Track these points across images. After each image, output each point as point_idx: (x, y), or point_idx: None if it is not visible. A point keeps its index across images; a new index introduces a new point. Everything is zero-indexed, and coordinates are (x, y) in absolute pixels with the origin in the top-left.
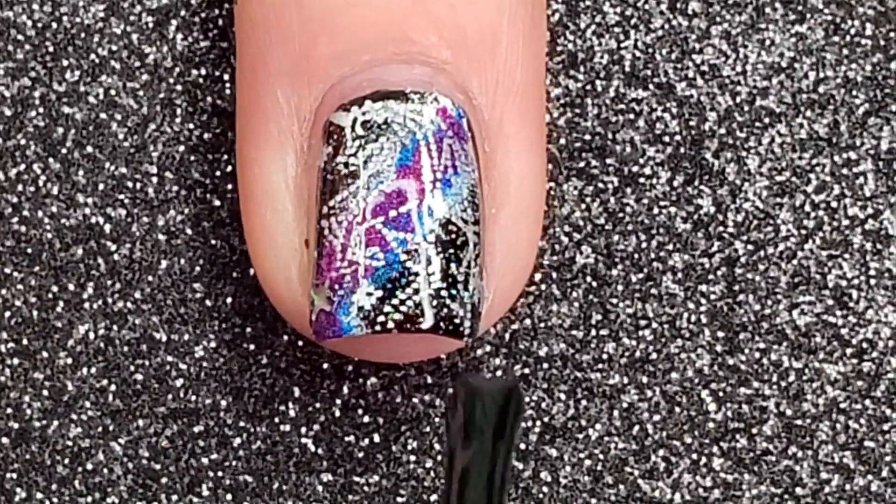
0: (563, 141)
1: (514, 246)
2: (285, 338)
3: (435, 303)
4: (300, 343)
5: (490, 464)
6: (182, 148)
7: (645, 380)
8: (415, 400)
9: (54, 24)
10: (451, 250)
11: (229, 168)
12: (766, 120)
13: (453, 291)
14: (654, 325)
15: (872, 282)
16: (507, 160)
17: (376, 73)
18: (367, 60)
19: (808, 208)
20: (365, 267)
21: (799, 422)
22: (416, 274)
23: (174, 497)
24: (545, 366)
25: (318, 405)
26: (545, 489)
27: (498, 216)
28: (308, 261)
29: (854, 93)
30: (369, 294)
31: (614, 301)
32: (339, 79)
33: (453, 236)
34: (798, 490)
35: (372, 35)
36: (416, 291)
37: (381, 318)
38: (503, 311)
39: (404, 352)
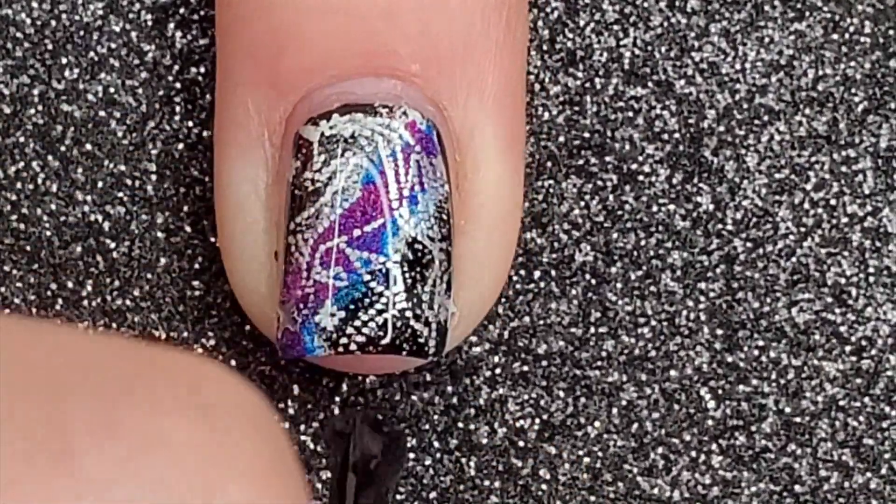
0: (562, 139)
1: (484, 258)
2: None
3: (399, 323)
4: None
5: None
6: (181, 146)
7: (644, 377)
8: (413, 398)
9: (53, 22)
10: (417, 269)
11: None
12: (765, 117)
13: (418, 311)
14: (653, 322)
15: (871, 279)
16: (478, 170)
17: (345, 87)
18: (336, 74)
19: (807, 206)
20: (329, 287)
21: (798, 419)
22: (380, 294)
23: None
24: (544, 363)
25: (316, 402)
26: (544, 487)
27: (467, 227)
28: (276, 275)
29: (853, 90)
30: (332, 315)
31: (613, 298)
32: (309, 91)
33: (419, 255)
34: (797, 487)
35: (340, 48)
36: (380, 312)
37: (343, 340)
38: (475, 324)
39: (371, 367)
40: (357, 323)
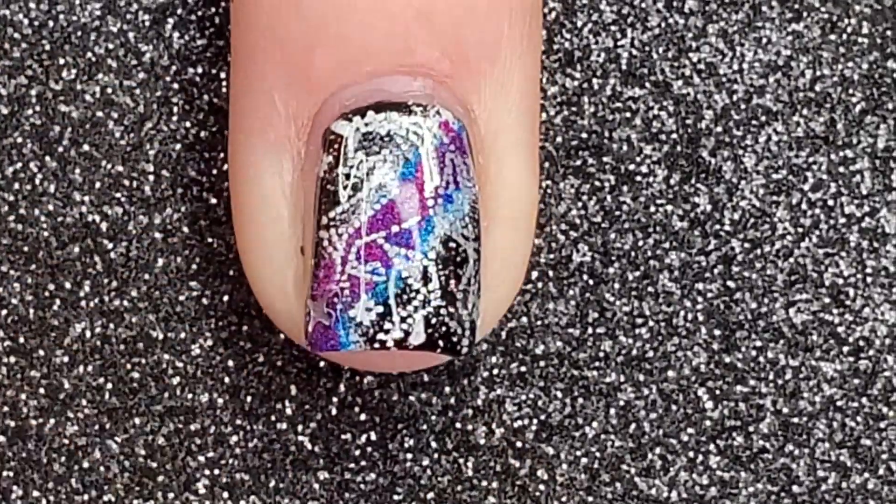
0: (559, 139)
1: (506, 259)
2: (282, 336)
3: (434, 321)
4: None
5: None
6: (178, 146)
7: (641, 378)
8: (411, 398)
9: (51, 23)
10: (452, 267)
11: (226, 166)
12: (763, 118)
13: (452, 309)
14: (651, 322)
15: (869, 280)
16: (500, 173)
17: (378, 84)
18: (370, 71)
19: (804, 206)
20: (365, 282)
21: (795, 420)
22: (417, 291)
23: (170, 495)
24: (542, 364)
25: (314, 403)
26: (542, 487)
27: (490, 229)
28: (304, 270)
29: (850, 91)
30: (369, 310)
31: (611, 299)
32: (340, 87)
33: (454, 253)
34: (795, 488)
35: (374, 46)
36: (416, 309)
37: (380, 336)
38: (494, 323)
39: (398, 364)
40: (394, 318)
